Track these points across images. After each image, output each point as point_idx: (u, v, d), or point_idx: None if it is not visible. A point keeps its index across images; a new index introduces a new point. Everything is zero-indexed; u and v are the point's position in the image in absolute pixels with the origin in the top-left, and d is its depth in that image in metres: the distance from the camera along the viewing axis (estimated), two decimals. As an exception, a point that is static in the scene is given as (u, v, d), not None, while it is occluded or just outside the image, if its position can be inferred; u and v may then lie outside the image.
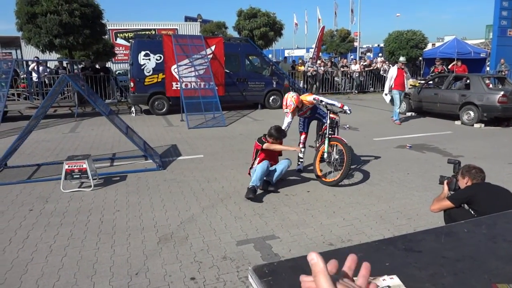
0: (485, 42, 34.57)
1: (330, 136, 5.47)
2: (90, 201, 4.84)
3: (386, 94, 11.02)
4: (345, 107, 5.78)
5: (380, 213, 4.41)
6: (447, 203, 3.16)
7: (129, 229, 4.03)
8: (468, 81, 11.01)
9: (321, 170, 5.53)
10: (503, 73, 15.25)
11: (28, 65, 14.52)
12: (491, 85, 11.85)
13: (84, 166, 5.15)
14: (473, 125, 10.08)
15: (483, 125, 10.07)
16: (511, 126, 10.14)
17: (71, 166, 5.14)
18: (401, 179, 5.68)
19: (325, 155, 5.45)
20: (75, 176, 5.17)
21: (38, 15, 12.65)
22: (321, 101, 5.78)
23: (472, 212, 3.05)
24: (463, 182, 3.21)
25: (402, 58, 11.36)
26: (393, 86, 10.64)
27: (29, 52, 22.07)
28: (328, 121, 5.56)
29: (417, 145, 7.91)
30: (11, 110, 12.11)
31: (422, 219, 4.24)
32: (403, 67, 10.78)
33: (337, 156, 5.43)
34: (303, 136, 6.02)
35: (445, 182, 3.39)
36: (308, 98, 5.77)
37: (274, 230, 3.96)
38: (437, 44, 30.87)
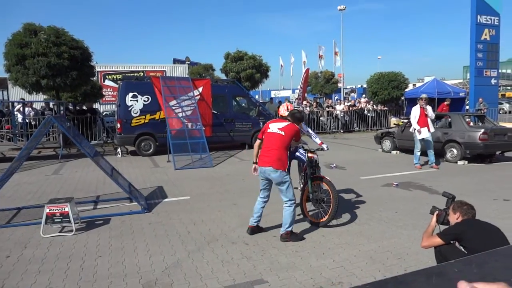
0: (463, 82, 36.01)
1: (312, 176, 5.45)
2: (70, 246, 4.66)
3: (416, 130, 9.85)
4: (324, 145, 5.90)
5: (370, 254, 4.33)
6: (437, 240, 3.14)
7: (111, 276, 3.85)
8: (449, 119, 11.31)
9: (308, 211, 5.47)
10: (482, 112, 15.76)
11: (13, 106, 14.43)
12: (471, 123, 12.18)
13: (66, 209, 5.00)
14: (456, 162, 10.24)
15: (466, 162, 10.24)
16: (493, 163, 10.33)
17: (52, 210, 4.98)
18: (389, 217, 5.65)
19: (311, 196, 5.42)
20: (56, 220, 5.00)
21: (27, 57, 12.77)
22: (307, 131, 6.03)
23: (462, 249, 3.02)
24: (454, 218, 3.21)
25: (423, 95, 10.52)
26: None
27: (16, 93, 22.11)
28: (306, 160, 5.58)
29: (404, 183, 7.96)
30: (-7, 152, 11.87)
31: (412, 258, 4.18)
32: (423, 105, 9.73)
33: (323, 196, 5.39)
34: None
35: (435, 213, 3.39)
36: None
37: (262, 274, 3.84)
38: (418, 85, 32.01)
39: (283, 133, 4.80)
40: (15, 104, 14.75)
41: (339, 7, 30.29)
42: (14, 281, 3.75)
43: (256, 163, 5.03)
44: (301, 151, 5.81)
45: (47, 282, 3.71)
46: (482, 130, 10.01)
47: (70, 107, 16.26)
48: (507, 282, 0.69)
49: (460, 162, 10.22)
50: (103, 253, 4.45)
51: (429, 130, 9.66)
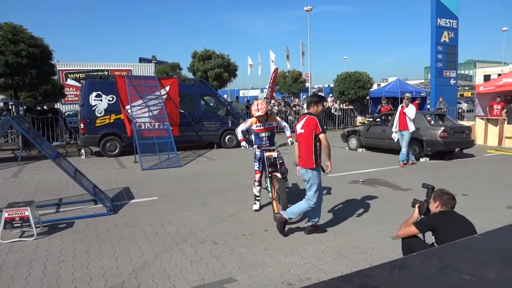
0: (424, 82, 37.40)
1: (270, 175, 5.62)
2: (32, 251, 4.46)
3: (395, 133, 10.29)
4: (289, 139, 6.07)
5: (337, 249, 4.42)
6: (413, 229, 3.19)
7: (75, 280, 3.72)
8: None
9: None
10: (442, 110, 16.43)
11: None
12: (432, 122, 12.68)
13: (26, 213, 4.79)
14: (419, 159, 10.62)
15: (428, 159, 10.65)
16: (453, 159, 10.81)
17: (12, 214, 4.75)
18: (356, 213, 5.78)
19: (272, 194, 5.57)
20: (15, 225, 4.77)
21: (-18, 55, 12.10)
22: (283, 125, 6.35)
23: (434, 241, 3.11)
24: (434, 206, 3.25)
25: (407, 94, 10.65)
26: (397, 127, 10.13)
27: (-30, 93, 20.86)
28: (265, 159, 5.73)
29: (369, 179, 8.17)
30: None
31: (378, 252, 4.29)
32: (404, 104, 10.07)
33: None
34: (258, 175, 5.94)
35: (417, 205, 3.43)
36: (277, 117, 6.10)
37: (232, 273, 3.83)
38: (382, 84, 32.98)
39: (303, 131, 4.85)
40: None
41: (305, 8, 30.68)
42: (-31, 290, 3.54)
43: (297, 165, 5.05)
44: (257, 151, 5.88)
45: (6, 290, 3.53)
46: (443, 128, 10.44)
47: (38, 108, 15.53)
48: None
49: (422, 159, 10.62)
50: (67, 257, 4.29)
51: (407, 129, 9.90)
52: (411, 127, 9.93)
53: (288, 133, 6.25)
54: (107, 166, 10.50)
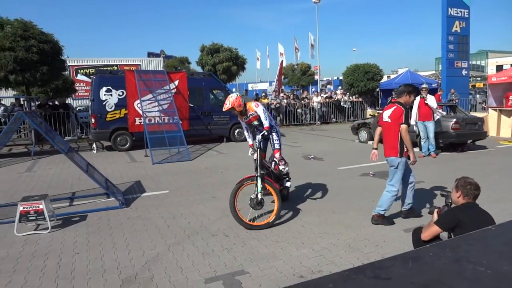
0: (435, 74, 36.92)
1: (262, 175, 5.06)
2: (46, 244, 4.55)
3: (414, 125, 10.11)
4: (264, 132, 5.33)
5: (349, 242, 4.42)
6: (435, 228, 3.03)
7: (89, 272, 3.79)
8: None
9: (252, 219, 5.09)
10: (454, 102, 16.21)
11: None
12: (444, 113, 12.52)
13: (41, 207, 4.87)
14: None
15: (440, 151, 10.54)
16: (465, 151, 10.68)
17: (26, 208, 4.85)
18: (367, 206, 5.75)
19: (259, 196, 4.99)
20: (30, 218, 4.86)
21: (-7, 51, 12.25)
22: (263, 110, 5.48)
23: (450, 236, 2.96)
24: (456, 196, 3.11)
25: (424, 85, 10.63)
26: (417, 118, 10.06)
27: (-17, 90, 21.19)
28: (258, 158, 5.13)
29: (380, 172, 8.12)
30: (-40, 151, 11.39)
31: (389, 245, 4.29)
32: (423, 95, 10.05)
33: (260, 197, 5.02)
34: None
35: (435, 211, 3.25)
36: (252, 104, 5.58)
37: (243, 265, 3.86)
38: (392, 76, 32.63)
39: (390, 120, 4.93)
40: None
41: (314, 0, 30.38)
42: (-13, 281, 3.63)
43: (376, 148, 5.25)
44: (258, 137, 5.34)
45: (23, 281, 3.62)
46: (454, 120, 10.31)
47: (49, 103, 15.71)
48: None
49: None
50: (81, 249, 4.37)
51: (432, 119, 9.90)
52: (438, 116, 10.00)
53: (266, 123, 5.37)
54: (118, 160, 10.61)
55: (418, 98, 10.12)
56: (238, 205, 4.91)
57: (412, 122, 10.10)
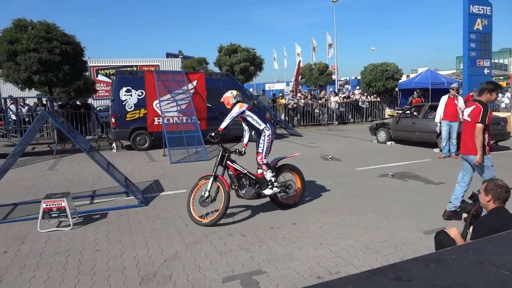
0: (456, 73, 36.15)
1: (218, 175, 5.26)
2: (68, 240, 4.66)
3: (437, 124, 10.20)
4: (243, 148, 5.77)
5: (367, 243, 4.38)
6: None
7: (109, 269, 3.86)
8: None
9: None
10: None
11: (5, 103, 14.29)
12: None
13: (63, 204, 4.99)
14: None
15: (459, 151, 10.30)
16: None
17: (49, 205, 4.97)
18: (385, 208, 5.70)
19: (207, 194, 5.13)
20: (53, 215, 4.99)
21: (18, 52, 12.62)
22: (237, 112, 5.59)
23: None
24: (485, 199, 3.03)
25: (454, 85, 10.39)
26: (442, 117, 9.94)
27: (8, 90, 21.85)
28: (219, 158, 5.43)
29: (399, 173, 8.02)
30: (-13, 149, 11.78)
31: (409, 247, 4.22)
32: (455, 94, 9.97)
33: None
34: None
35: (463, 216, 3.12)
36: (242, 104, 5.69)
37: (260, 265, 3.87)
38: (412, 76, 32.09)
39: (469, 119, 4.94)
40: (7, 100, 14.61)
41: (332, -1, 30.16)
42: (12, 275, 3.75)
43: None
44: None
45: (46, 276, 3.72)
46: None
47: (69, 103, 16.08)
48: None
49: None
50: (101, 246, 4.46)
51: (454, 120, 9.75)
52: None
53: (222, 125, 5.60)
54: (137, 159, 10.77)
55: (445, 97, 10.04)
56: (193, 202, 5.18)
57: (437, 120, 10.00)
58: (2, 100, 15.09)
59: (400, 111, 14.10)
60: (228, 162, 5.51)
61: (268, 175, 5.48)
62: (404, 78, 26.98)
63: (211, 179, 5.20)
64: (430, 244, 3.53)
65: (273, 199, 5.73)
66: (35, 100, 16.74)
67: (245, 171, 5.57)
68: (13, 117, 13.70)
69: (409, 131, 11.60)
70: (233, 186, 5.43)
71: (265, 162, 5.55)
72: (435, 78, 21.61)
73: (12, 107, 13.91)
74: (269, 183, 5.48)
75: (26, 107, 14.91)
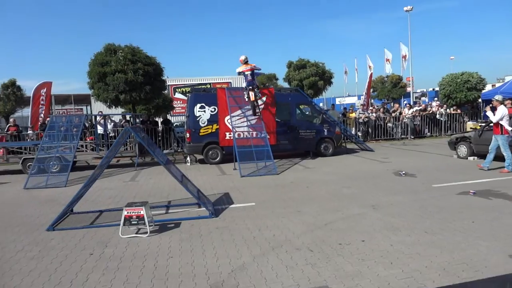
0: (552, 81, 32.32)
1: None
2: (145, 247, 5.00)
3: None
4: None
5: (443, 265, 4.09)
6: None
7: (181, 275, 4.07)
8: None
9: None
10: None
11: (96, 119, 15.83)
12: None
13: (142, 212, 5.38)
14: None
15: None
16: None
17: (130, 213, 5.39)
18: (465, 228, 5.27)
19: None
20: (133, 222, 5.40)
21: (108, 74, 14.01)
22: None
23: None
24: None
25: (497, 97, 9.94)
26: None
27: (98, 107, 24.23)
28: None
29: (482, 191, 7.37)
30: (79, 160, 13.15)
31: (491, 271, 3.86)
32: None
33: None
34: None
35: None
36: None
37: (327, 281, 3.80)
38: (498, 85, 29.44)
39: None
40: (98, 117, 16.18)
41: (405, 8, 29.04)
42: (96, 276, 4.12)
43: None
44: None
45: (125, 278, 4.02)
46: None
47: (150, 120, 17.37)
48: None
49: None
50: (174, 254, 4.71)
51: None
52: None
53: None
54: (209, 172, 11.22)
55: (503, 108, 9.43)
56: None
57: (508, 128, 9.34)
58: (93, 117, 16.74)
59: (484, 124, 13.00)
60: None
61: None
62: (489, 87, 24.88)
63: None
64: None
65: None
66: (120, 117, 18.32)
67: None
68: (100, 131, 15.11)
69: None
70: None
71: None
72: (526, 88, 19.56)
73: (102, 122, 15.35)
74: None
75: (112, 123, 16.37)
